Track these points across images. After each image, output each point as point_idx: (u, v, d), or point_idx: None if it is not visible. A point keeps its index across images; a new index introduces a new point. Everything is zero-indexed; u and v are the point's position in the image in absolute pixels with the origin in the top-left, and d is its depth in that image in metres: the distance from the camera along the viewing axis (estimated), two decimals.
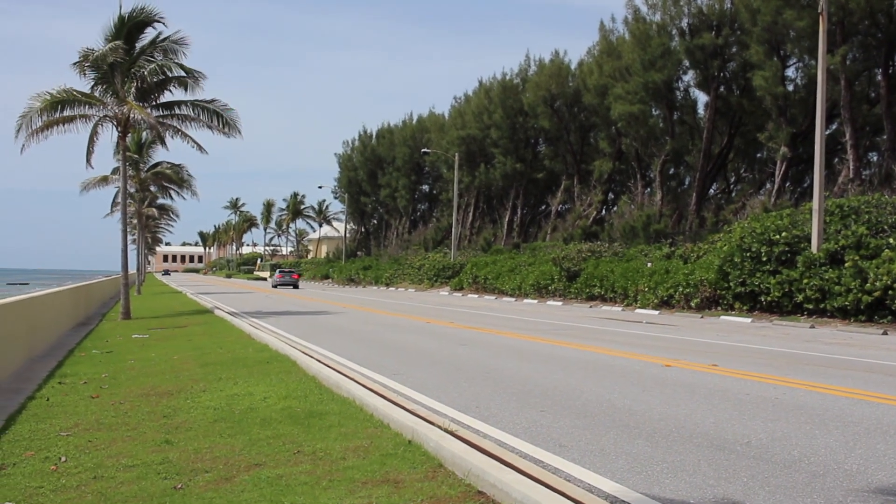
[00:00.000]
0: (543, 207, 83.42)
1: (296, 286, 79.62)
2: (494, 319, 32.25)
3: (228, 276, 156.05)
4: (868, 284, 29.14)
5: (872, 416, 11.19)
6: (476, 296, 57.10)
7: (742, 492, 7.51)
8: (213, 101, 36.67)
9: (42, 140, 33.53)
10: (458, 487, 7.65)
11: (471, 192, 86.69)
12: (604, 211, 72.01)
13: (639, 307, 40.07)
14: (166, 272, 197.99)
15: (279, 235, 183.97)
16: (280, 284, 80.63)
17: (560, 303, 46.58)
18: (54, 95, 33.37)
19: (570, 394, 13.14)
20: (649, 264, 43.13)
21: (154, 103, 36.39)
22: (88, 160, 36.39)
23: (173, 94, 36.89)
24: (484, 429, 10.31)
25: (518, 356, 18.66)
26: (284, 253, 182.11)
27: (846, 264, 30.28)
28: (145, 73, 34.78)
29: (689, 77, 58.63)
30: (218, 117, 36.57)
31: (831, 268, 31.04)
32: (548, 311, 39.67)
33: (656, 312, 37.61)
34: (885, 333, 26.84)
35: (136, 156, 59.01)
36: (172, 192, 68.80)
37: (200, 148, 37.85)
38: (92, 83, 34.75)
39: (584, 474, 8.10)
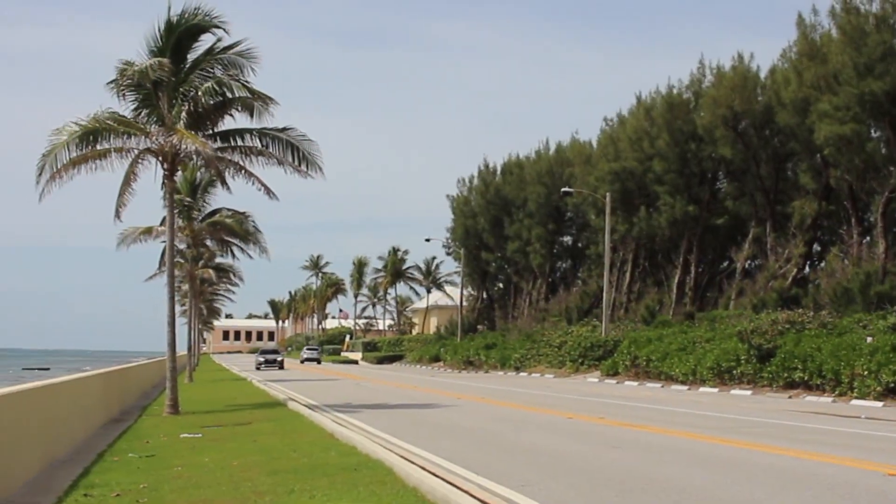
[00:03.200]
0: (726, 264, 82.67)
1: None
2: (659, 413, 32.03)
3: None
4: None
5: None
6: (635, 383, 56.77)
7: None
8: (285, 129, 37.25)
9: (67, 181, 34.51)
10: None
11: (627, 245, 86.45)
12: (807, 268, 71.09)
13: (855, 397, 39.37)
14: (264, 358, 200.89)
15: (374, 304, 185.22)
16: (306, 360, 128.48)
17: (749, 392, 46.04)
18: (84, 126, 34.21)
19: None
20: (870, 339, 42.38)
21: (210, 132, 37.07)
22: (118, 211, 37.27)
23: (235, 121, 37.56)
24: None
25: (688, 462, 18.53)
26: (381, 327, 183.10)
27: None
28: (199, 93, 35.53)
29: None
30: (292, 150, 37.09)
31: None
32: (732, 402, 39.24)
33: (879, 404, 36.90)
34: None
35: (188, 199, 59.99)
36: (234, 249, 69.72)
37: (269, 192, 38.44)
38: (134, 106, 35.63)
39: None
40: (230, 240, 67.81)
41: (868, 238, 63.25)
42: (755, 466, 17.75)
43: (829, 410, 34.48)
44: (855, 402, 38.42)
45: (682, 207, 77.27)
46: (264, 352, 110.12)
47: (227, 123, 37.58)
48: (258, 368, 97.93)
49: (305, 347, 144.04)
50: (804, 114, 61.58)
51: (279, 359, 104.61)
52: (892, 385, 38.00)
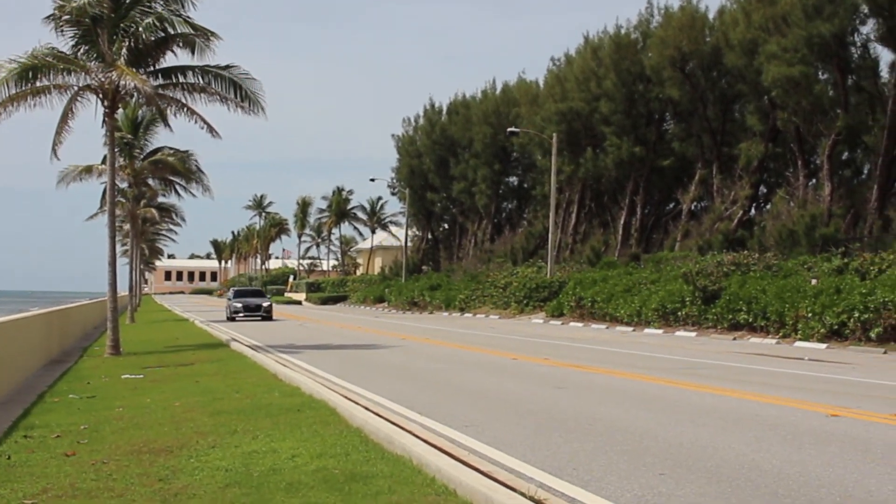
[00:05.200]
0: (671, 206, 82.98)
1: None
2: (604, 355, 32.23)
3: None
4: None
5: None
6: (580, 324, 57.01)
7: None
8: (228, 66, 37.03)
9: (6, 119, 34.20)
10: None
11: (574, 186, 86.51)
12: (753, 210, 71.45)
13: (799, 339, 39.72)
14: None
15: (318, 245, 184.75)
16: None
17: (693, 333, 46.36)
18: (23, 63, 33.87)
19: (699, 452, 13.12)
20: (814, 281, 42.73)
21: (152, 69, 36.81)
22: (55, 149, 37.07)
23: (177, 58, 37.32)
24: (583, 497, 10.34)
25: (633, 403, 18.66)
26: (325, 268, 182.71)
27: None
28: (140, 28, 35.21)
29: (869, 28, 58.05)
30: (235, 88, 36.89)
31: None
32: (677, 344, 39.52)
33: (823, 346, 37.26)
34: None
35: (129, 136, 59.39)
36: (177, 188, 69.27)
37: (212, 130, 38.28)
38: (73, 42, 35.28)
39: None
40: (173, 179, 67.37)
41: (814, 181, 63.56)
42: (699, 407, 17.90)
43: (774, 352, 34.77)
44: (799, 343, 38.77)
45: (628, 148, 77.38)
46: (241, 293, 74.61)
47: (168, 60, 37.38)
48: (232, 319, 67.34)
49: (233, 288, 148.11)
50: (752, 55, 61.71)
51: (266, 304, 69.55)
52: (836, 327, 38.36)
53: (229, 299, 72.07)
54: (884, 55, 59.00)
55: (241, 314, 67.77)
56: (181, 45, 36.49)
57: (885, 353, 34.18)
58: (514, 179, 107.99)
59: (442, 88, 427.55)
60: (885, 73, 59.48)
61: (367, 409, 17.22)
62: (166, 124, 40.49)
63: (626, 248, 78.62)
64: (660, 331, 48.94)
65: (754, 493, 10.54)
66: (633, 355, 32.36)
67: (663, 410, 17.52)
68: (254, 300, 69.85)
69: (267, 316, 67.78)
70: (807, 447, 13.44)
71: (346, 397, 18.97)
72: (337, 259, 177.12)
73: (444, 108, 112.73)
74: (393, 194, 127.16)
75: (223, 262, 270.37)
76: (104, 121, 37.07)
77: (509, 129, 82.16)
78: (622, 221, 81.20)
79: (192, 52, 36.46)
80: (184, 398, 20.31)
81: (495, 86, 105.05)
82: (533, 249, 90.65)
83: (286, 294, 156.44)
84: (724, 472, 11.72)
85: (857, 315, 37.44)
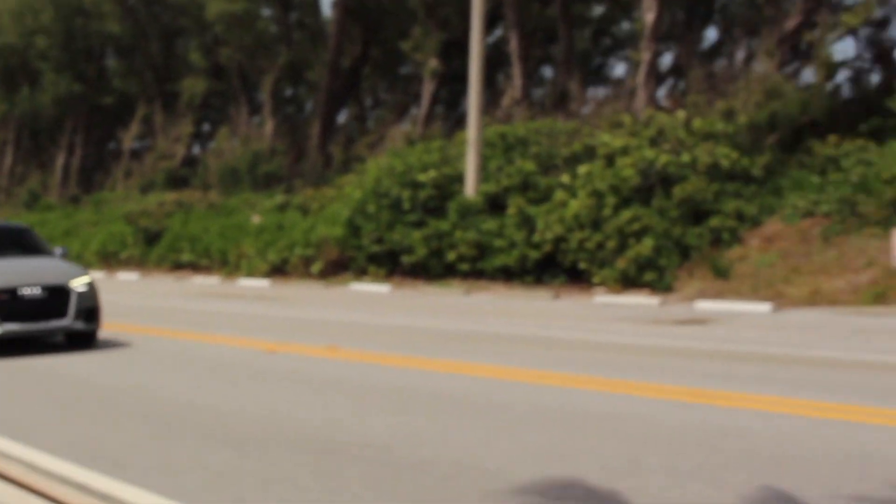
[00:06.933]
0: (113, 145, 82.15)
1: None
2: None
3: None
4: (536, 236, 30.70)
5: (526, 400, 11.94)
6: None
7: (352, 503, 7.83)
8: None
9: None
10: None
11: (9, 126, 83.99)
12: (196, 148, 71.84)
13: (243, 276, 40.40)
14: None
15: None
16: None
17: (136, 275, 46.23)
18: None
19: (136, 395, 13.16)
20: (256, 219, 43.51)
21: None
22: None
23: None
24: (12, 449, 10.14)
25: (63, 349, 18.43)
26: None
27: (509, 211, 31.76)
28: None
29: None
30: None
31: (491, 216, 32.48)
32: (118, 287, 39.27)
33: (266, 283, 38.09)
34: (556, 297, 28.55)
35: None
36: None
37: None
38: None
39: (145, 498, 8.16)
40: None
41: (258, 117, 64.60)
42: (142, 350, 17.93)
43: (217, 291, 35.27)
44: (243, 281, 39.49)
45: (67, 86, 75.84)
46: None
47: None
48: None
49: None
50: None
51: (78, 284, 17.44)
52: (279, 264, 39.31)
53: None
54: None
55: None
56: None
57: (326, 286, 35.35)
58: None
59: None
60: (326, 9, 61.14)
61: None
62: None
63: (67, 189, 77.25)
64: (102, 273, 48.51)
65: (190, 432, 10.70)
66: None
67: (88, 355, 17.41)
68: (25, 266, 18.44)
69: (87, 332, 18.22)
70: (244, 383, 13.75)
71: None
72: None
73: None
74: None
75: None
76: None
77: None
78: (62, 162, 79.63)
79: None
80: None
81: None
82: None
83: None
84: (162, 413, 11.83)
85: (298, 251, 38.48)
